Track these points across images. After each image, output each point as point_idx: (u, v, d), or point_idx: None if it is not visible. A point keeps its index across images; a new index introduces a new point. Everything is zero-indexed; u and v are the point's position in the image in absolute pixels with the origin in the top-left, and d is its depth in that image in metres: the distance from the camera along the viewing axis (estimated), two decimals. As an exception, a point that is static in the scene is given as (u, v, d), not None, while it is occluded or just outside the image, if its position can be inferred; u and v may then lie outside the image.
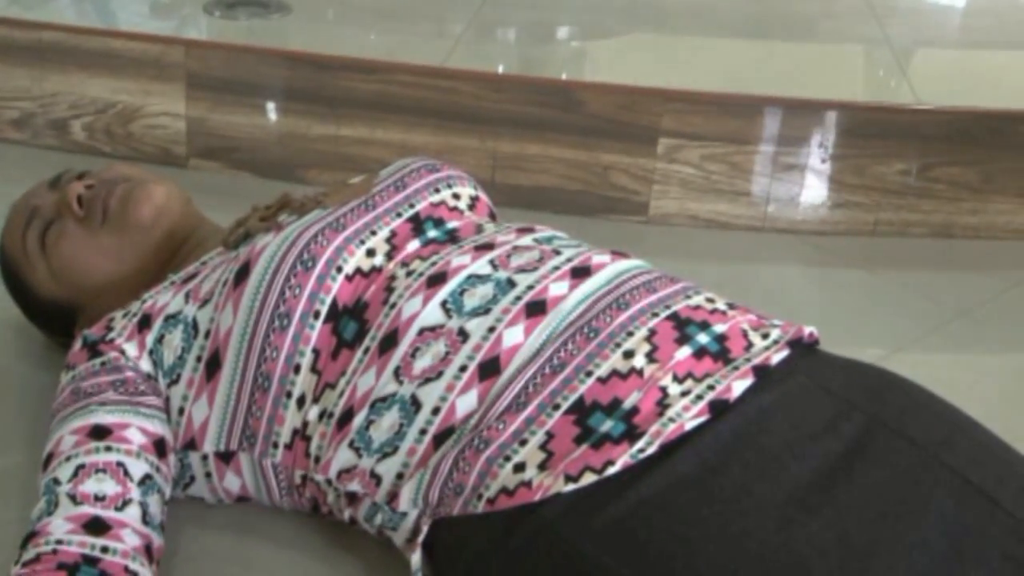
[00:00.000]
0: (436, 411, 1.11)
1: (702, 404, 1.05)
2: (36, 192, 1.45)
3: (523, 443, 1.06)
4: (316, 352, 1.18)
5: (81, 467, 1.14)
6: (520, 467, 1.05)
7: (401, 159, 1.39)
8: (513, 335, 1.12)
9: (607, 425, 1.05)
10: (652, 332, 1.11)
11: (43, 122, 2.16)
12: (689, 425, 1.03)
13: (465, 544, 1.08)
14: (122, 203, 1.38)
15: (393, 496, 1.12)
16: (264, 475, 1.22)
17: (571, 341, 1.11)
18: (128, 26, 2.28)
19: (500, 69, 2.17)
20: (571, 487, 1.01)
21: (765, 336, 1.14)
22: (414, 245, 1.25)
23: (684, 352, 1.10)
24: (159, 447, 1.20)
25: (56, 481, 1.14)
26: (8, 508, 1.27)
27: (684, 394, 1.06)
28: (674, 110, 1.95)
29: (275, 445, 1.20)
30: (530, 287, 1.15)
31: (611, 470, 1.01)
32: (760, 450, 1.02)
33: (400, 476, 1.12)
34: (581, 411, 1.07)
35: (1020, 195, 2.00)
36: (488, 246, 1.22)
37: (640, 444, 1.02)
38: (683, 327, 1.12)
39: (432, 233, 1.27)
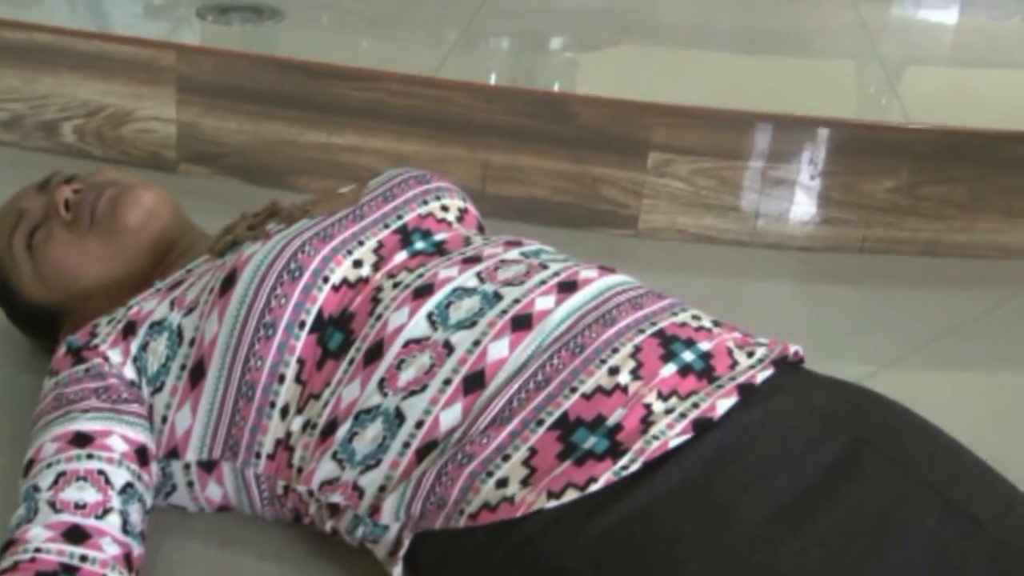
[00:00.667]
0: (420, 424, 1.11)
1: (686, 422, 1.05)
2: (24, 195, 1.44)
3: (506, 458, 1.06)
4: (301, 362, 1.18)
5: (62, 474, 1.14)
6: (503, 482, 1.05)
7: (390, 169, 1.38)
8: (498, 349, 1.12)
9: (591, 442, 1.05)
10: (637, 349, 1.11)
11: (33, 124, 2.15)
12: (673, 443, 1.03)
13: (447, 558, 1.08)
14: (110, 208, 1.37)
15: (375, 509, 1.12)
16: (246, 485, 1.22)
17: (556, 356, 1.11)
18: (121, 28, 2.28)
19: (492, 79, 2.17)
20: (553, 503, 1.01)
21: (750, 354, 1.14)
22: (401, 256, 1.25)
23: (669, 369, 1.10)
24: (141, 455, 1.20)
25: (36, 488, 1.13)
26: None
27: (668, 412, 1.06)
28: (665, 124, 1.95)
29: (258, 455, 1.20)
30: (516, 301, 1.15)
31: (594, 487, 1.01)
32: (744, 468, 1.02)
33: (382, 489, 1.12)
34: (565, 427, 1.06)
35: (1008, 214, 2.00)
36: (475, 259, 1.22)
37: (623, 461, 1.02)
38: (668, 344, 1.12)
39: (419, 244, 1.27)
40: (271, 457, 1.19)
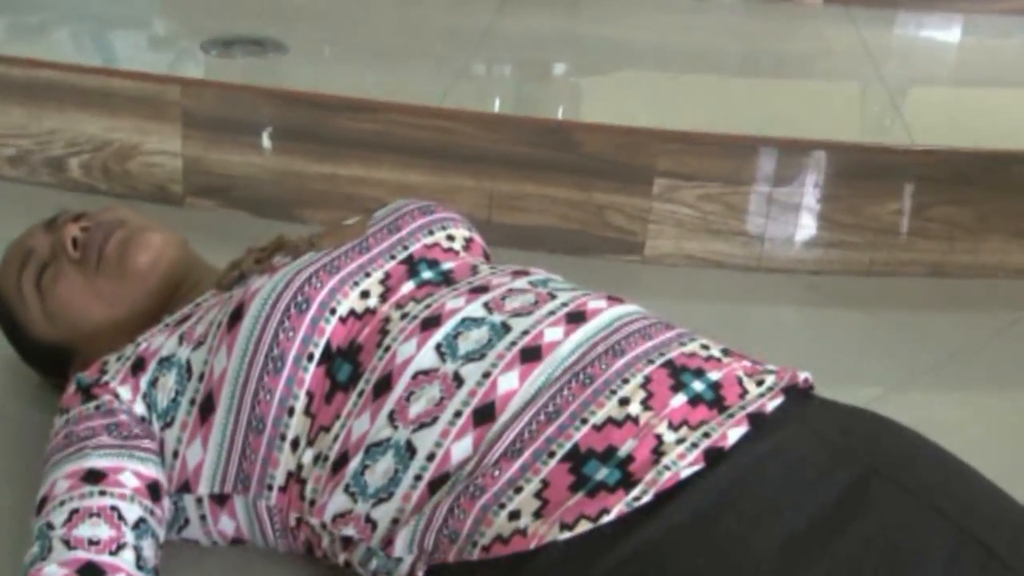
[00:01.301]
0: (431, 457, 1.11)
1: (697, 452, 1.05)
2: (32, 233, 1.45)
3: (518, 491, 1.06)
4: (310, 395, 1.18)
5: (75, 511, 1.14)
6: (515, 515, 1.05)
7: (395, 201, 1.39)
8: (508, 381, 1.12)
9: (602, 473, 1.05)
10: (647, 379, 1.11)
11: (39, 160, 2.16)
12: (684, 474, 1.03)
13: (460, 592, 1.08)
14: (119, 250, 1.38)
15: (388, 542, 1.11)
16: (259, 518, 1.22)
17: (566, 388, 1.11)
18: (125, 63, 2.29)
19: (497, 109, 2.18)
20: (566, 535, 1.01)
21: (760, 383, 1.14)
22: (408, 287, 1.25)
23: (679, 400, 1.10)
24: (153, 490, 1.20)
25: (50, 526, 1.13)
26: (1, 551, 1.26)
27: (679, 442, 1.06)
28: (670, 151, 1.96)
29: (269, 487, 1.20)
30: (525, 332, 1.15)
31: (606, 518, 1.01)
32: (755, 499, 1.02)
33: (395, 522, 1.12)
34: (576, 459, 1.06)
35: (1015, 235, 2.00)
36: (483, 288, 1.22)
37: (635, 492, 1.02)
38: (678, 374, 1.12)
39: (426, 274, 1.27)
40: (283, 490, 1.19)
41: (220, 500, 1.22)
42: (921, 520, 1.01)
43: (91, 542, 1.12)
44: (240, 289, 1.24)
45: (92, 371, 1.28)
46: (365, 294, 1.23)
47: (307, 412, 1.18)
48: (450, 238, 1.34)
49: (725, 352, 1.18)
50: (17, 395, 1.54)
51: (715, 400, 1.10)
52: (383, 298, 1.23)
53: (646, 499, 1.02)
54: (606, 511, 1.01)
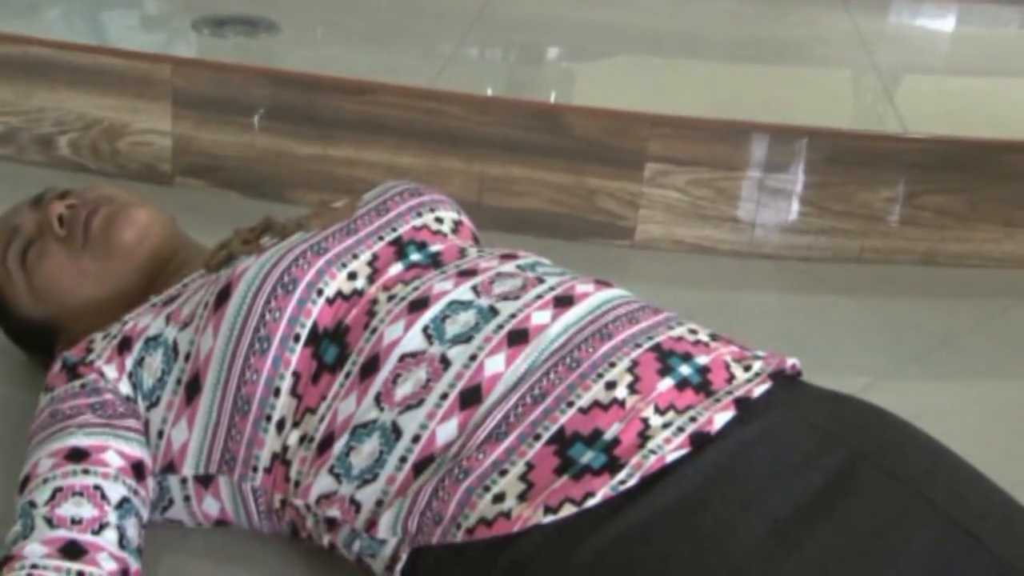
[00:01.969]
0: (416, 439, 1.11)
1: (683, 436, 1.04)
2: (18, 211, 1.44)
3: (503, 473, 1.06)
4: (296, 375, 1.18)
5: (58, 490, 1.14)
6: (499, 497, 1.04)
7: (384, 183, 1.38)
8: (494, 364, 1.11)
9: (588, 456, 1.04)
10: (634, 363, 1.11)
11: (28, 137, 2.15)
12: (670, 458, 1.03)
13: (444, 573, 1.07)
14: (105, 226, 1.37)
15: (372, 523, 1.11)
16: (243, 499, 1.22)
17: (553, 371, 1.10)
18: (116, 41, 2.28)
19: (488, 91, 2.17)
20: (550, 518, 1.01)
21: (747, 368, 1.14)
22: (396, 269, 1.24)
23: (666, 384, 1.09)
24: (137, 470, 1.19)
25: (32, 504, 1.13)
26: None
27: (666, 426, 1.06)
28: (661, 135, 1.95)
29: (254, 469, 1.19)
30: (512, 315, 1.15)
31: (591, 502, 1.01)
32: (740, 484, 1.02)
33: (379, 503, 1.11)
34: (562, 442, 1.06)
35: (1006, 224, 2.00)
36: (471, 272, 1.22)
37: (621, 476, 1.02)
38: (665, 359, 1.12)
39: (415, 256, 1.27)
40: (268, 471, 1.19)
41: (205, 481, 1.22)
42: (906, 507, 1.01)
43: (74, 521, 1.11)
44: (227, 270, 1.24)
45: (78, 350, 1.27)
46: (352, 275, 1.22)
47: (293, 393, 1.18)
48: (439, 220, 1.33)
49: (713, 337, 1.18)
50: (1, 374, 1.53)
51: (702, 384, 1.10)
52: (371, 280, 1.23)
53: (631, 483, 1.02)
54: (591, 494, 1.01)
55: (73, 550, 1.09)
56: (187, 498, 1.24)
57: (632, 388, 1.09)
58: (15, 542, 1.10)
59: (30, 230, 1.40)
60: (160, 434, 1.22)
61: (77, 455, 1.17)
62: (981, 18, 2.90)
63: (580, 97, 2.26)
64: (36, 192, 1.46)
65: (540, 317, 1.15)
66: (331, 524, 1.15)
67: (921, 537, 0.98)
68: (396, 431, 1.11)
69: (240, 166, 2.08)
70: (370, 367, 1.15)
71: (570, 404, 1.08)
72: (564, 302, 1.17)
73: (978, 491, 1.06)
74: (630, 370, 1.10)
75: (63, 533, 1.10)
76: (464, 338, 1.14)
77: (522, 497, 1.04)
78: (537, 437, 1.07)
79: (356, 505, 1.12)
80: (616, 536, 0.99)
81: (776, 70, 2.45)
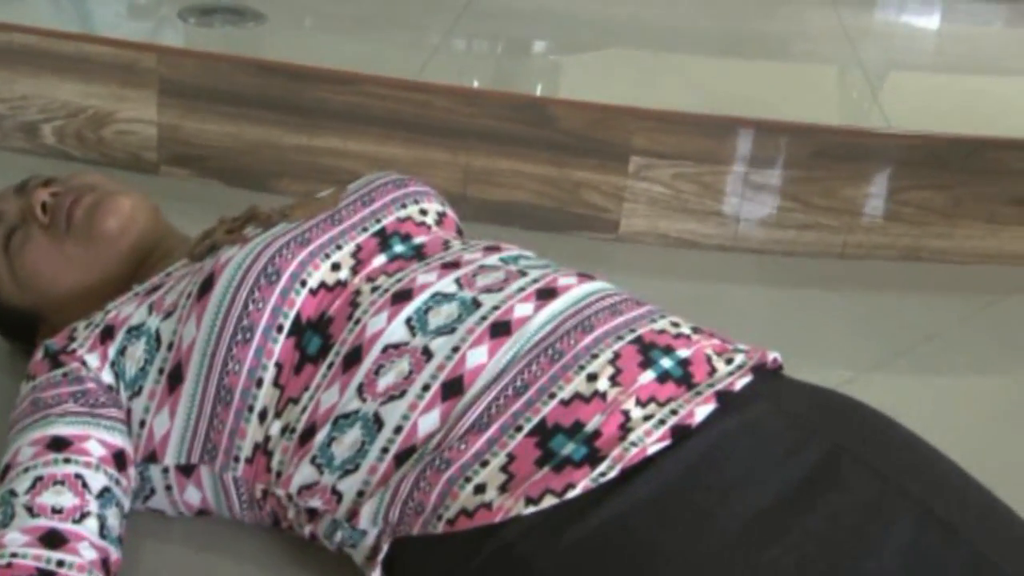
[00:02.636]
0: (398, 430, 1.11)
1: (664, 429, 1.05)
2: (2, 197, 1.43)
3: (484, 464, 1.06)
4: (279, 366, 1.18)
5: (39, 479, 1.13)
6: (480, 488, 1.05)
7: (369, 174, 1.38)
8: (477, 355, 1.11)
9: (569, 448, 1.05)
10: (616, 355, 1.11)
11: (13, 125, 2.14)
12: (651, 450, 1.03)
13: (425, 564, 1.08)
14: (88, 214, 1.37)
15: (353, 514, 1.11)
16: (225, 489, 1.22)
17: (535, 363, 1.11)
18: (102, 30, 2.28)
19: (474, 83, 2.17)
20: (531, 510, 1.01)
21: (729, 361, 1.14)
22: (380, 260, 1.25)
23: (648, 376, 1.10)
24: (119, 459, 1.19)
25: (13, 493, 1.13)
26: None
27: (647, 418, 1.06)
28: (646, 128, 1.95)
29: (236, 459, 1.19)
30: (495, 308, 1.15)
31: (572, 493, 1.01)
32: (721, 476, 1.02)
33: (361, 494, 1.11)
34: (543, 433, 1.06)
35: (988, 220, 2.01)
36: (454, 264, 1.22)
37: (601, 468, 1.02)
38: (647, 351, 1.12)
39: (398, 248, 1.27)
40: (249, 461, 1.19)
41: (186, 471, 1.22)
42: (887, 500, 1.01)
43: (54, 510, 1.11)
44: (211, 260, 1.24)
45: (60, 338, 1.27)
46: (336, 266, 1.22)
47: (276, 384, 1.18)
48: (423, 212, 1.33)
49: (695, 330, 1.19)
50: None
51: (683, 377, 1.11)
52: (354, 271, 1.23)
53: (612, 474, 1.02)
54: (571, 486, 1.02)
55: (54, 539, 1.09)
56: (168, 488, 1.23)
57: (614, 380, 1.09)
58: (-5, 531, 1.10)
59: (14, 217, 1.40)
60: (142, 423, 1.22)
61: (58, 444, 1.17)
62: (966, 15, 2.91)
63: (566, 90, 2.25)
64: (20, 179, 1.45)
65: (523, 309, 1.15)
66: (312, 514, 1.15)
67: (900, 529, 0.99)
68: (378, 422, 1.12)
69: (225, 155, 2.08)
70: (353, 358, 1.15)
71: (552, 396, 1.08)
72: (547, 295, 1.17)
73: (956, 484, 1.07)
74: (612, 362, 1.10)
75: (44, 522, 1.10)
76: (447, 330, 1.14)
77: (503, 488, 1.04)
78: (519, 428, 1.07)
79: (337, 495, 1.13)
80: (597, 526, 0.99)
81: (762, 65, 2.45)
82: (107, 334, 1.25)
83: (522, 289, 1.17)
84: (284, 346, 1.18)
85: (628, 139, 1.96)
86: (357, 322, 1.17)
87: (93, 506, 1.14)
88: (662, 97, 2.04)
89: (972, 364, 1.79)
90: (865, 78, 2.34)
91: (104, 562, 1.11)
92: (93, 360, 1.24)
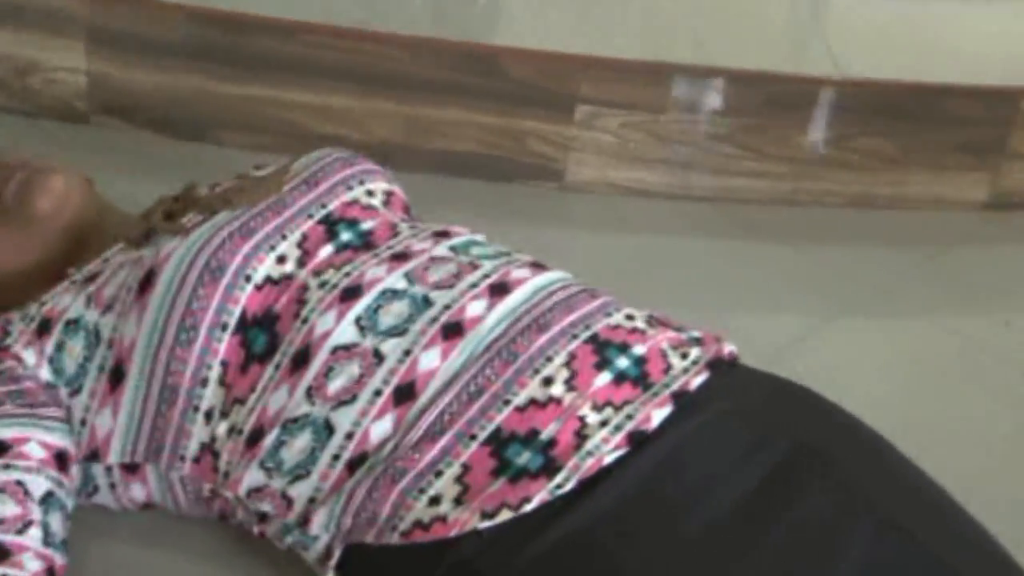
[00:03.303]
0: (350, 436, 1.08)
1: (621, 435, 1.03)
2: (-75, 178, 1.37)
3: (438, 475, 1.04)
4: (224, 364, 1.15)
5: (-22, 488, 1.10)
6: (436, 500, 1.03)
7: (315, 151, 1.34)
8: (429, 359, 1.09)
9: (525, 457, 1.03)
10: (571, 357, 1.09)
11: (-65, 74, 2.06)
12: (608, 459, 1.02)
13: (382, 571, 1.06)
14: (18, 194, 1.31)
15: (305, 519, 1.09)
16: (171, 487, 1.19)
17: (489, 366, 1.08)
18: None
19: (419, 32, 2.11)
20: (487, 524, 1.00)
21: (684, 356, 1.13)
22: (327, 251, 1.21)
23: (603, 379, 1.08)
24: (61, 460, 1.16)
25: (-49, 504, 1.10)
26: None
27: (603, 424, 1.04)
28: (592, 77, 1.91)
29: (182, 458, 1.16)
30: (447, 307, 1.12)
31: (528, 507, 1.00)
32: (681, 484, 1.02)
33: (312, 500, 1.09)
34: (498, 442, 1.04)
35: (938, 168, 1.99)
36: (404, 256, 1.19)
37: (558, 479, 1.01)
38: (602, 350, 1.10)
39: (345, 236, 1.23)
40: (196, 461, 1.16)
41: (131, 469, 1.19)
42: (845, 503, 1.01)
43: (-4, 521, 1.08)
44: (151, 252, 1.19)
45: (-6, 332, 1.23)
46: (282, 259, 1.18)
47: (221, 383, 1.15)
48: (369, 193, 1.29)
49: (650, 322, 1.16)
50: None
51: (639, 377, 1.09)
52: (301, 263, 1.19)
53: (569, 486, 1.01)
54: (527, 500, 1.00)
55: (-4, 551, 1.06)
56: (113, 485, 1.20)
57: (569, 384, 1.07)
58: (-67, 544, 1.07)
59: (-61, 200, 1.34)
60: (83, 422, 1.18)
61: (-3, 449, 1.13)
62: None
63: (512, 38, 2.19)
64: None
65: (475, 308, 1.12)
66: (263, 516, 1.13)
67: (858, 535, 0.99)
68: (329, 427, 1.09)
69: (161, 106, 2.01)
70: (301, 359, 1.12)
71: (507, 402, 1.06)
72: (499, 290, 1.14)
73: (912, 484, 1.07)
74: (567, 364, 1.08)
75: (-15, 534, 1.07)
76: (398, 331, 1.11)
77: (458, 500, 1.02)
78: (473, 437, 1.05)
79: (288, 500, 1.10)
80: (555, 542, 0.98)
81: (712, 8, 2.40)
82: (44, 328, 1.20)
83: (474, 285, 1.14)
84: (229, 344, 1.14)
85: (575, 88, 1.92)
86: (305, 321, 1.13)
87: (36, 513, 1.10)
88: (610, 44, 1.99)
89: (922, 314, 1.79)
90: (816, 24, 2.30)
91: (49, 570, 1.09)
92: (30, 357, 1.20)
